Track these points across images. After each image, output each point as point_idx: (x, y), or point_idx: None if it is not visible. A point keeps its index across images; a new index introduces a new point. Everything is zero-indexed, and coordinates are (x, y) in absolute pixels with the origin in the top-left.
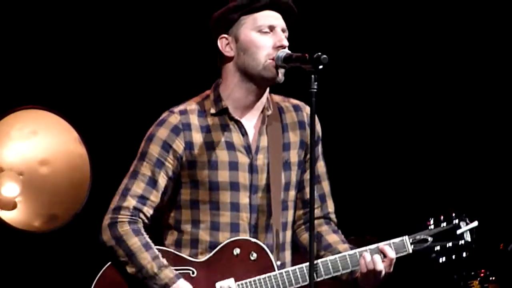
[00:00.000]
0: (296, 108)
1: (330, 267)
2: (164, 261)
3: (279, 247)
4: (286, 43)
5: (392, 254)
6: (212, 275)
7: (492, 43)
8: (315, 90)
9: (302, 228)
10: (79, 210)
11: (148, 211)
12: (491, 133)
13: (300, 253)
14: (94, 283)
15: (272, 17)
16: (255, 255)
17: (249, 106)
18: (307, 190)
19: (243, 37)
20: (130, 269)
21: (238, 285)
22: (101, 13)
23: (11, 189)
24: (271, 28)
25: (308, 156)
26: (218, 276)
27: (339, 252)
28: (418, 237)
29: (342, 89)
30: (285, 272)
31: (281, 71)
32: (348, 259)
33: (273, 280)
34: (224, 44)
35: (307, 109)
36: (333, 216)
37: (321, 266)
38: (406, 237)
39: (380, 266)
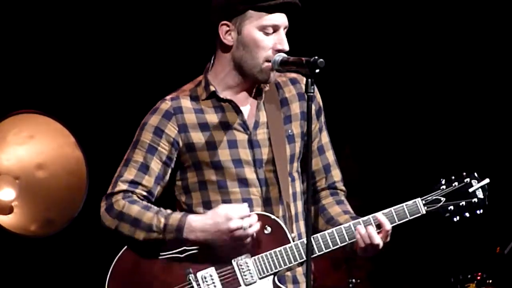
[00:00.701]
0: (293, 81)
1: (329, 241)
2: (168, 210)
3: (291, 218)
4: (286, 47)
5: (388, 225)
6: (228, 252)
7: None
8: (312, 93)
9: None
10: (75, 214)
11: (141, 192)
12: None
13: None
14: (109, 275)
15: (278, 17)
16: (269, 228)
17: (241, 90)
18: (314, 161)
19: (246, 33)
20: (141, 235)
21: (254, 259)
22: (96, 19)
23: (8, 194)
24: (275, 29)
25: (314, 126)
26: (234, 253)
27: (340, 224)
28: (430, 198)
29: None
30: (300, 243)
31: (274, 73)
32: (344, 232)
33: (289, 251)
34: (224, 31)
35: (304, 81)
36: (339, 184)
37: (320, 240)
38: (418, 199)
39: (377, 239)
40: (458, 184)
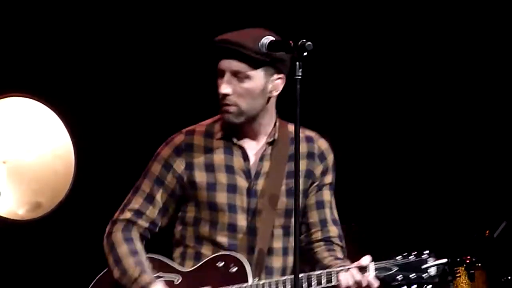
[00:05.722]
0: (309, 139)
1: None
2: (146, 267)
3: (269, 269)
4: (221, 90)
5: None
6: (193, 283)
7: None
8: (299, 77)
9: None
10: (63, 198)
11: (143, 223)
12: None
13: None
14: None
15: (221, 63)
16: (235, 268)
17: (248, 133)
18: (310, 214)
19: None
20: (116, 274)
21: None
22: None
23: None
24: (221, 74)
25: (313, 183)
26: (197, 285)
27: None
28: (382, 265)
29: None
30: (257, 285)
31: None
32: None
33: None
34: None
35: (319, 142)
36: (336, 240)
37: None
38: (372, 264)
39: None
40: (415, 258)
